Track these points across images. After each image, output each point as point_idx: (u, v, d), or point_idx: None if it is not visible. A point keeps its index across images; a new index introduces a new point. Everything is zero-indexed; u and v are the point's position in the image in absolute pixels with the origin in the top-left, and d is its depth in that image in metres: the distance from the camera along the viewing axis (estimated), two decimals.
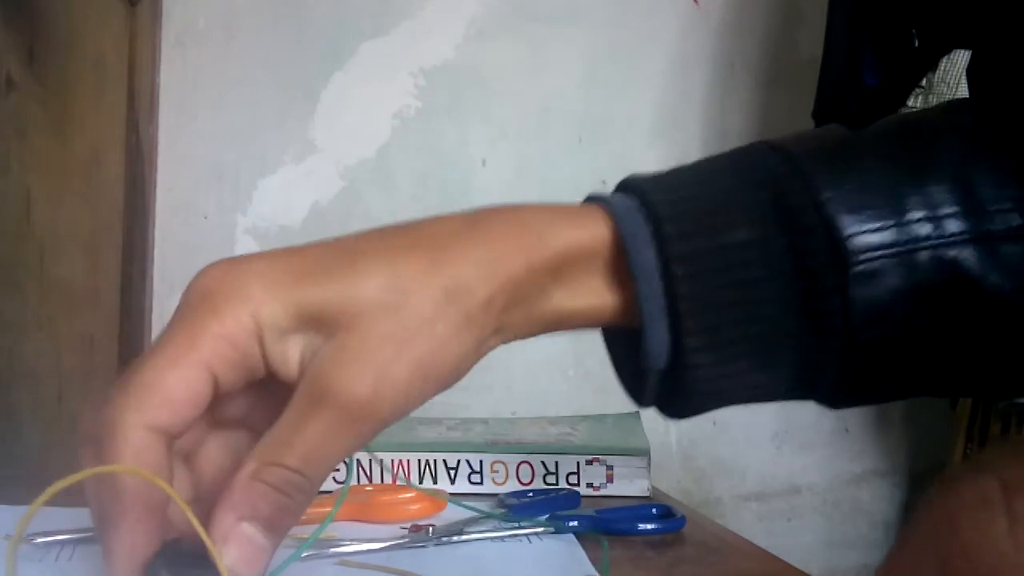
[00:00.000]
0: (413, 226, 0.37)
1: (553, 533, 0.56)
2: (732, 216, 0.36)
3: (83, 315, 0.84)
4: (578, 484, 0.68)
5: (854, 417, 1.09)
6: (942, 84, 0.88)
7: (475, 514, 0.58)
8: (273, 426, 0.33)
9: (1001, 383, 0.42)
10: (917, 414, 1.10)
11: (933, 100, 0.88)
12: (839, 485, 1.10)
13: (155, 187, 0.92)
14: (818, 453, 1.09)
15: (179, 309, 0.34)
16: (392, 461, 0.68)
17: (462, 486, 0.68)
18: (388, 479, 0.67)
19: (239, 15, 0.95)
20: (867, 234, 0.36)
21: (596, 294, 0.38)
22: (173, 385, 0.33)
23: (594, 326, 0.39)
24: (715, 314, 0.36)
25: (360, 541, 0.52)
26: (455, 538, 0.54)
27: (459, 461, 0.68)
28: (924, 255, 0.37)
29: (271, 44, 0.95)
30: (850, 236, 0.36)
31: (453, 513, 0.58)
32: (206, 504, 0.33)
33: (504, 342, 0.37)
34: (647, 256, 0.36)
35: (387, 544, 0.52)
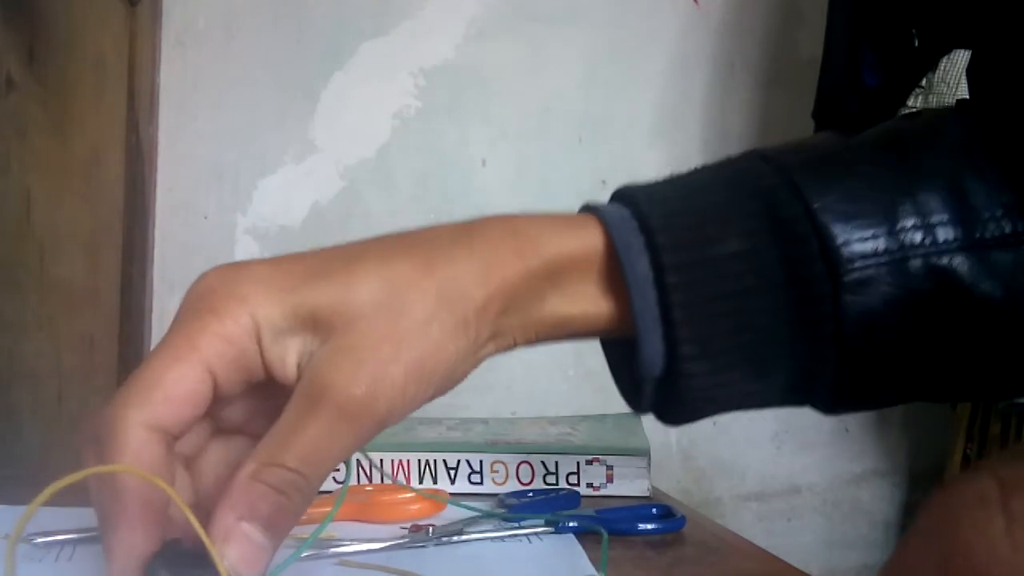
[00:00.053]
0: (410, 234, 0.37)
1: (553, 533, 0.56)
2: (725, 226, 0.37)
3: (83, 315, 0.84)
4: (578, 484, 0.68)
5: (854, 417, 1.09)
6: (942, 84, 0.88)
7: (475, 514, 0.58)
8: (272, 427, 0.34)
9: (995, 388, 0.42)
10: (917, 414, 1.11)
11: (933, 100, 0.88)
12: (839, 485, 1.11)
13: (155, 187, 0.92)
14: (818, 453, 1.09)
15: (180, 311, 0.35)
16: (392, 461, 0.68)
17: (462, 486, 0.68)
18: (387, 480, 0.67)
19: (239, 15, 0.95)
20: (859, 242, 0.36)
21: (592, 301, 0.38)
22: (172, 383, 0.33)
23: (591, 334, 0.39)
24: (709, 323, 0.36)
25: (360, 541, 0.52)
26: (455, 538, 0.54)
27: (459, 461, 0.68)
28: (916, 263, 0.37)
29: (271, 44, 0.95)
30: (842, 244, 0.36)
31: (453, 513, 0.58)
32: (207, 509, 0.33)
33: (501, 350, 0.38)
34: (641, 266, 0.36)
35: (387, 544, 0.52)
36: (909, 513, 1.11)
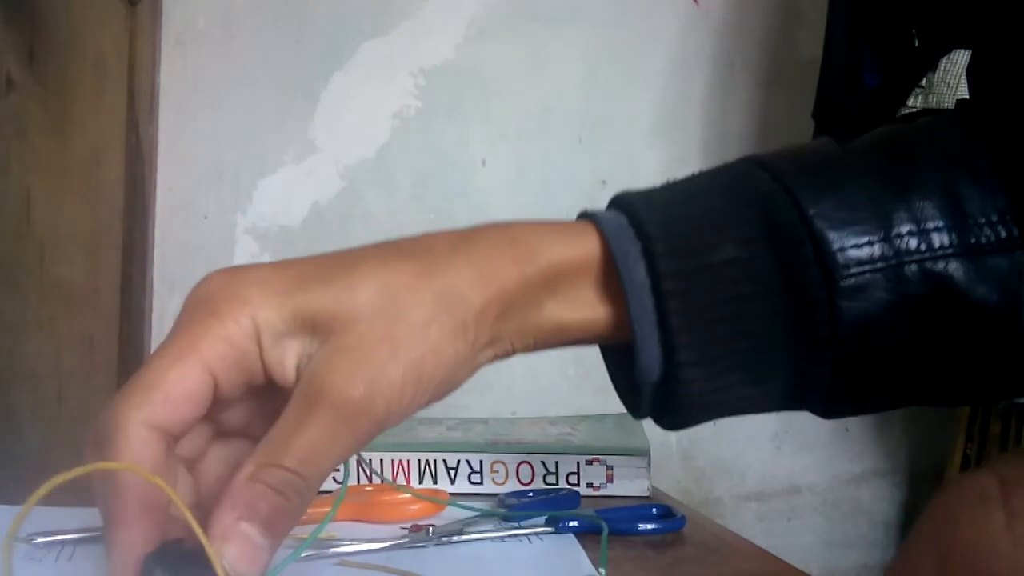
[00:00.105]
0: (409, 241, 0.37)
1: (553, 533, 0.56)
2: (722, 233, 0.37)
3: (83, 315, 0.84)
4: (578, 484, 0.68)
5: (854, 418, 1.09)
6: (942, 84, 0.88)
7: (475, 514, 0.58)
8: (271, 428, 0.34)
9: (990, 392, 0.42)
10: (917, 414, 1.11)
11: (933, 100, 0.88)
12: (839, 485, 1.11)
13: (155, 187, 0.92)
14: (818, 453, 1.10)
15: (181, 313, 0.35)
16: (392, 461, 0.68)
17: (462, 486, 0.68)
18: (385, 482, 0.67)
19: (239, 15, 0.95)
20: (855, 248, 0.37)
21: (589, 307, 0.38)
22: (173, 384, 0.33)
23: (589, 341, 0.40)
24: (706, 329, 0.37)
25: (360, 541, 0.52)
26: (455, 538, 0.54)
27: (459, 461, 0.68)
28: (912, 269, 0.37)
29: (271, 44, 0.96)
30: (838, 250, 0.37)
31: (453, 513, 0.58)
32: (208, 511, 0.33)
33: (499, 356, 0.38)
34: (638, 273, 0.37)
35: (387, 544, 0.52)
36: (909, 513, 1.11)
